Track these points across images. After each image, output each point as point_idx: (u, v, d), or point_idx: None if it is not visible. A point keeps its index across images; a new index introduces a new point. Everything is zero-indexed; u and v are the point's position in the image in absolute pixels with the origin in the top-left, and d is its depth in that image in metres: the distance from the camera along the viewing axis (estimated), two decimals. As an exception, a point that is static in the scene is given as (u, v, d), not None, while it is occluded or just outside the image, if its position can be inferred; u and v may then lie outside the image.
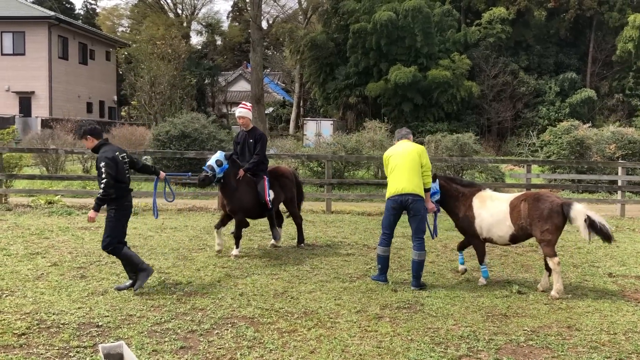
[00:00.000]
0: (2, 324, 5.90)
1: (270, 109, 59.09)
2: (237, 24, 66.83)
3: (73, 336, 5.66)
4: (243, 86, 62.25)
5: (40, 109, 37.19)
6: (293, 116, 54.49)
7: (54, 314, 6.24)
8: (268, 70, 64.11)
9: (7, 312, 6.26)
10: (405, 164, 7.62)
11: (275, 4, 56.75)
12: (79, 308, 6.44)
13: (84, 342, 5.56)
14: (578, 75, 40.77)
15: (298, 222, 10.12)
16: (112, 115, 46.69)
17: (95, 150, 7.31)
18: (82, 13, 76.06)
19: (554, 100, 39.68)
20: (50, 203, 13.99)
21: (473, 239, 7.92)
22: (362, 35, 38.85)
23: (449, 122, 38.53)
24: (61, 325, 5.92)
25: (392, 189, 7.64)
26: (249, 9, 47.46)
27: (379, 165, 19.13)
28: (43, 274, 7.80)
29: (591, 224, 7.15)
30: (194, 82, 39.58)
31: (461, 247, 8.25)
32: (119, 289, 7.17)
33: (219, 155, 8.85)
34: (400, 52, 39.00)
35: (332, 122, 40.19)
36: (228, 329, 5.94)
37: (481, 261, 7.90)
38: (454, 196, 8.02)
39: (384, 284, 7.63)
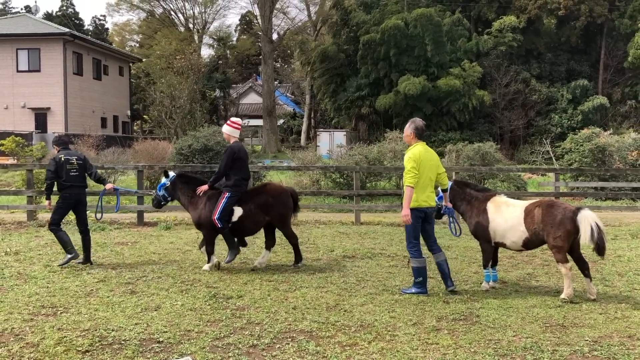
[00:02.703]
0: (64, 341, 5.92)
1: (281, 121, 59.30)
2: (245, 36, 67.26)
3: (137, 352, 5.66)
4: (254, 98, 62.55)
5: (56, 125, 37.40)
6: (304, 127, 54.67)
7: (112, 330, 6.25)
8: (278, 83, 64.35)
9: (66, 329, 6.29)
10: (433, 175, 7.75)
11: (285, 16, 57.06)
12: (136, 324, 6.45)
13: (148, 358, 5.57)
14: (590, 82, 40.73)
15: (293, 242, 9.42)
16: (126, 130, 46.91)
17: None
18: (91, 29, 76.69)
19: (566, 108, 39.65)
20: (80, 219, 14.03)
21: (483, 243, 8.03)
22: (371, 46, 38.98)
23: (461, 131, 38.53)
24: (123, 342, 5.93)
25: (421, 200, 7.63)
26: (259, 22, 47.82)
27: (400, 175, 19.15)
28: (92, 290, 7.84)
29: (592, 233, 7.23)
30: (213, 96, 39.82)
31: (492, 263, 8.24)
32: (61, 265, 9.21)
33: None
34: (410, 61, 39.10)
35: (345, 133, 40.31)
36: (289, 343, 5.94)
37: (485, 266, 8.04)
38: (467, 200, 8.14)
39: (425, 295, 7.65)
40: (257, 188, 9.51)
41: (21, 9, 76.63)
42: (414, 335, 6.17)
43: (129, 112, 47.91)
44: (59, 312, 6.87)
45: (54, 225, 9.45)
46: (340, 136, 39.06)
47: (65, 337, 6.02)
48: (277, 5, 50.54)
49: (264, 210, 9.07)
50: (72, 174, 9.42)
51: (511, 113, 39.68)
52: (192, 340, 5.98)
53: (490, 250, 8.02)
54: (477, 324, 6.56)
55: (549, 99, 40.46)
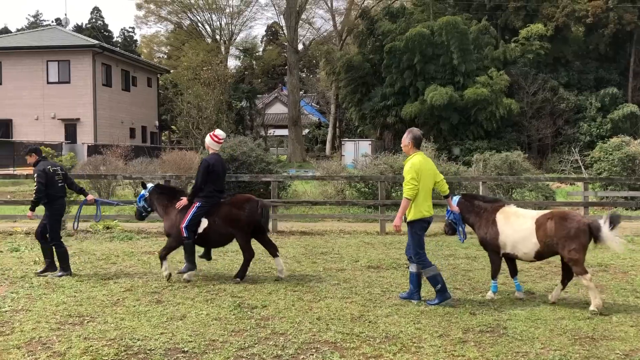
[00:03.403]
0: (91, 350, 5.96)
1: (307, 131, 59.48)
2: (271, 47, 67.68)
3: (162, 362, 5.69)
4: (279, 109, 62.84)
5: (85, 136, 37.96)
6: (329, 137, 54.76)
7: (138, 339, 6.28)
8: (303, 92, 64.60)
9: (92, 338, 6.34)
10: (431, 185, 7.81)
11: (310, 27, 57.27)
12: (161, 333, 6.47)
13: (174, 368, 5.59)
14: (619, 90, 40.14)
15: (246, 256, 9.15)
16: (154, 140, 47.44)
17: (35, 165, 9.50)
18: (120, 41, 77.93)
19: (595, 116, 39.13)
20: (108, 228, 14.21)
21: (491, 254, 8.07)
22: (396, 54, 38.92)
23: (488, 139, 38.21)
24: (148, 352, 5.96)
25: (424, 210, 7.68)
26: (285, 33, 48.09)
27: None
28: (119, 299, 7.90)
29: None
30: (239, 106, 40.14)
31: (512, 274, 8.24)
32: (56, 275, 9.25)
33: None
34: (436, 70, 38.95)
35: (370, 142, 40.26)
36: (313, 354, 5.91)
37: (494, 276, 8.05)
38: (476, 212, 8.17)
39: (450, 300, 7.67)
40: (225, 200, 9.31)
41: (52, 22, 78.23)
42: (439, 347, 6.11)
43: (157, 123, 48.45)
44: (85, 321, 6.94)
45: (58, 240, 9.42)
46: (365, 145, 39.02)
47: (91, 346, 6.07)
48: (303, 16, 50.83)
49: (227, 222, 9.00)
50: (59, 185, 9.48)
51: (539, 122, 39.27)
52: (216, 350, 5.99)
53: (499, 261, 8.03)
54: (504, 336, 6.47)
55: (578, 107, 39.97)
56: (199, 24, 58.35)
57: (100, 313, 7.25)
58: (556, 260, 10.59)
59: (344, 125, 55.62)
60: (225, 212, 8.98)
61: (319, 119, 65.36)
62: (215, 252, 11.35)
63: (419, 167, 7.61)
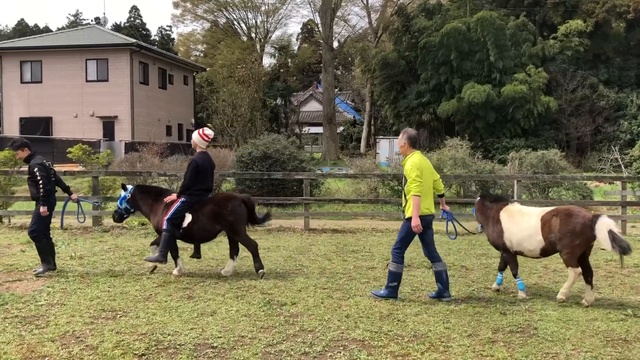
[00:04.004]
0: (122, 344, 6.07)
1: (341, 128, 59.43)
2: (306, 45, 67.80)
3: (191, 357, 5.75)
4: (314, 106, 62.95)
5: (122, 133, 38.59)
6: (364, 135, 54.65)
7: (169, 334, 6.37)
8: (338, 90, 64.56)
9: (124, 332, 6.44)
10: (431, 183, 7.92)
11: (345, 24, 57.17)
12: (191, 329, 6.55)
13: (202, 363, 5.66)
14: (662, 87, 39.25)
15: (251, 250, 9.26)
16: (190, 138, 47.87)
17: (27, 160, 9.32)
18: (157, 39, 78.93)
19: (635, 114, 38.30)
20: (143, 224, 14.42)
21: (504, 252, 8.13)
22: (431, 50, 38.63)
23: (526, 138, 37.70)
24: (178, 347, 6.04)
25: (424, 208, 7.72)
26: (320, 30, 48.12)
27: (461, 183, 18.89)
28: (151, 294, 8.02)
29: (613, 238, 7.30)
30: (273, 104, 40.35)
31: (502, 268, 8.36)
32: (37, 274, 9.06)
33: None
34: (472, 67, 38.56)
35: (405, 140, 39.97)
36: (340, 352, 5.92)
37: (515, 274, 8.07)
38: (483, 212, 8.38)
39: (394, 299, 7.76)
40: (209, 197, 9.46)
41: (91, 21, 79.68)
42: (468, 347, 6.06)
43: (193, 121, 48.97)
44: (118, 315, 7.06)
45: (46, 235, 9.28)
46: (400, 143, 38.77)
47: (123, 340, 6.18)
48: (338, 13, 50.78)
49: (212, 219, 9.12)
50: (53, 179, 9.40)
51: (578, 119, 38.59)
52: (245, 346, 6.04)
53: (514, 259, 8.09)
54: (535, 336, 6.39)
55: (618, 105, 39.17)
56: (235, 22, 58.77)
57: (133, 308, 7.37)
58: (602, 263, 10.44)
59: (379, 123, 55.41)
60: (209, 210, 9.15)
61: (353, 116, 65.26)
62: (245, 249, 11.43)
63: (419, 164, 7.72)
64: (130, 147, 34.16)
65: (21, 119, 39.74)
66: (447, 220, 8.57)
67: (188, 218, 9.10)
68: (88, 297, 7.85)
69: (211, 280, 8.80)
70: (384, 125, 53.67)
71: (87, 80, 39.59)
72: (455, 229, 8.63)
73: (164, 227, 9.01)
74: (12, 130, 39.20)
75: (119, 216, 9.84)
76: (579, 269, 7.49)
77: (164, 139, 38.55)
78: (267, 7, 57.32)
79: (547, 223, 7.63)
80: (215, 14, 58.78)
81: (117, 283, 8.66)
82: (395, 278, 7.83)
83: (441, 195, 8.30)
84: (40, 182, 9.02)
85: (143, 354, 5.83)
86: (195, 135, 9.42)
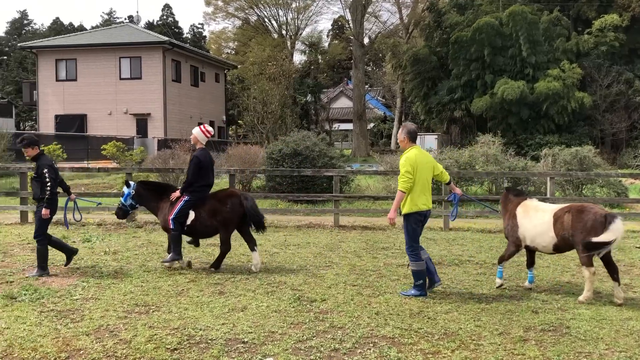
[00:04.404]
0: (155, 338, 6.16)
1: (371, 125, 59.28)
2: (337, 41, 67.73)
3: (222, 352, 5.82)
4: (344, 103, 62.91)
5: (155, 130, 39.03)
6: (394, 131, 54.38)
7: (200, 329, 6.45)
8: (368, 86, 64.39)
9: (157, 327, 6.54)
10: (429, 177, 7.97)
11: (376, 20, 56.94)
12: (222, 324, 6.62)
13: (233, 357, 5.71)
14: (701, 82, 38.22)
15: (222, 249, 9.45)
16: (222, 135, 48.32)
17: (35, 158, 9.05)
18: (189, 37, 79.62)
19: (673, 110, 37.43)
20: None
21: (510, 244, 8.23)
22: (463, 45, 38.28)
23: (559, 134, 37.11)
24: (209, 341, 6.11)
25: (421, 204, 7.81)
26: (351, 26, 48.03)
27: (493, 180, 18.70)
28: (183, 289, 8.12)
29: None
30: (303, 100, 40.44)
31: (529, 264, 8.37)
32: (28, 276, 8.81)
33: (124, 187, 9.82)
34: (504, 62, 38.09)
35: (436, 136, 39.78)
36: (370, 349, 5.93)
37: (500, 262, 8.28)
38: (505, 204, 8.48)
39: (424, 297, 7.79)
40: (210, 194, 9.63)
41: (124, 19, 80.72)
42: (499, 345, 6.02)
43: (224, 118, 49.32)
44: (151, 310, 7.17)
45: (42, 237, 9.08)
46: (431, 140, 38.59)
47: (155, 334, 6.27)
48: (369, 9, 50.58)
49: (211, 215, 9.32)
50: (58, 181, 9.23)
51: (613, 115, 37.84)
52: (275, 342, 6.09)
53: (513, 252, 8.20)
54: (567, 335, 6.31)
55: (655, 101, 38.29)
56: (266, 20, 58.99)
57: (165, 303, 7.48)
58: (622, 258, 10.27)
59: (410, 119, 55.15)
60: (210, 206, 9.33)
61: (384, 112, 65.05)
62: (276, 245, 11.54)
63: (414, 160, 7.75)
64: (162, 144, 34.54)
65: (56, 117, 40.44)
66: (454, 202, 8.80)
67: (191, 216, 9.30)
68: (122, 291, 7.98)
69: (242, 276, 8.88)
70: (415, 121, 53.33)
71: (120, 78, 40.09)
72: (456, 211, 9.12)
73: (171, 226, 9.20)
74: (48, 127, 39.94)
75: (124, 213, 9.91)
76: (592, 268, 7.46)
77: (196, 136, 38.78)
78: (297, 4, 57.44)
79: (559, 219, 7.66)
80: (247, 11, 59.08)
81: (150, 278, 8.78)
82: (420, 276, 7.86)
83: (448, 183, 8.49)
84: (48, 184, 8.82)
85: (175, 349, 5.91)
86: (197, 132, 9.54)
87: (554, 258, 10.31)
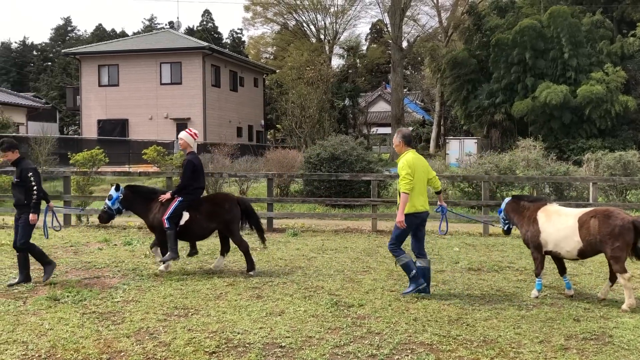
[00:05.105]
0: (194, 341, 6.23)
1: (410, 129, 58.81)
2: (375, 45, 67.58)
3: (260, 356, 5.84)
4: (382, 106, 62.75)
5: (195, 135, 39.42)
6: (433, 135, 54.04)
7: (238, 333, 6.49)
8: (407, 90, 64.07)
9: (195, 329, 6.61)
10: (425, 180, 8.19)
11: (415, 24, 56.66)
12: (260, 328, 6.66)
13: (271, 361, 5.74)
14: None
15: (242, 249, 9.63)
16: (260, 139, 48.66)
17: (16, 163, 8.62)
18: (228, 42, 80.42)
19: None
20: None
21: (534, 252, 8.15)
22: (504, 48, 37.82)
23: (602, 138, 36.38)
24: (247, 345, 6.15)
25: (419, 205, 8.02)
26: (389, 30, 47.90)
27: (534, 185, 18.41)
28: (222, 293, 8.19)
29: None
30: (341, 105, 40.49)
31: (562, 272, 8.31)
32: (10, 285, 8.46)
33: (111, 190, 9.76)
34: (546, 65, 37.51)
35: (476, 140, 39.37)
36: (408, 355, 5.89)
37: (537, 274, 8.14)
38: (519, 212, 8.38)
39: (423, 287, 8.05)
40: (206, 197, 10.07)
41: (165, 25, 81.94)
42: (539, 353, 5.92)
43: (262, 122, 49.66)
44: (190, 313, 7.25)
45: (27, 245, 8.66)
46: (470, 144, 38.21)
47: (194, 337, 6.34)
48: (408, 13, 50.36)
49: (208, 217, 9.52)
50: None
51: (659, 119, 36.94)
52: (312, 347, 6.09)
53: (541, 259, 8.08)
54: (610, 344, 6.18)
55: (702, 104, 37.24)
56: (304, 24, 59.23)
57: (204, 306, 7.55)
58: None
59: (449, 123, 54.71)
60: (207, 208, 9.58)
61: (423, 116, 64.65)
62: (314, 250, 11.55)
63: (412, 162, 8.01)
64: (202, 148, 34.88)
65: (99, 121, 41.26)
66: (442, 214, 8.88)
67: (185, 216, 9.48)
68: (161, 294, 8.09)
69: (279, 280, 8.91)
70: (454, 125, 52.95)
71: (161, 83, 40.71)
72: (447, 225, 9.18)
73: (166, 225, 9.33)
74: (91, 132, 40.77)
75: (109, 216, 9.88)
76: (628, 274, 7.44)
77: (235, 140, 39.15)
78: (336, 8, 57.56)
79: (585, 224, 7.60)
80: (285, 16, 59.40)
81: (189, 281, 8.88)
82: (409, 267, 8.08)
83: (438, 192, 8.63)
84: (35, 188, 8.43)
85: (214, 352, 5.96)
86: (187, 137, 9.68)
87: (596, 265, 10.11)
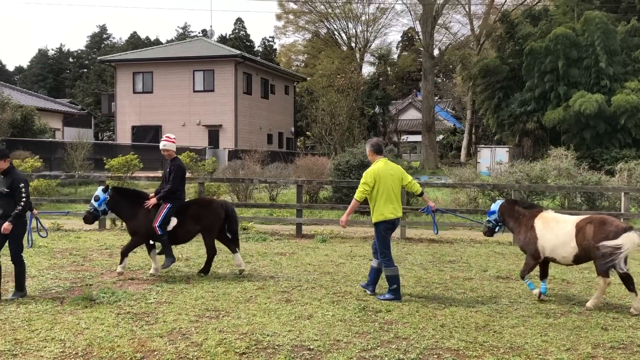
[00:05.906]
0: (225, 342, 6.39)
1: (441, 137, 58.71)
2: (406, 53, 67.56)
3: (288, 358, 5.97)
4: (413, 114, 62.62)
5: (226, 141, 39.96)
6: (464, 143, 53.77)
7: (268, 335, 6.64)
8: (438, 98, 63.87)
9: (226, 331, 6.77)
10: (396, 188, 8.36)
11: (447, 32, 56.54)
12: (289, 331, 6.79)
13: (299, 364, 5.87)
14: None
15: (210, 253, 9.90)
16: (290, 146, 48.98)
17: (6, 172, 8.17)
18: (260, 50, 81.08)
19: None
20: (244, 229, 14.94)
21: (528, 257, 8.35)
22: (537, 57, 37.49)
23: (637, 148, 35.78)
24: (276, 347, 6.29)
25: (388, 213, 8.25)
26: (420, 38, 47.89)
27: (566, 194, 18.27)
28: (252, 296, 8.36)
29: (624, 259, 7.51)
30: (371, 112, 40.58)
31: (542, 276, 8.51)
32: (11, 298, 8.14)
33: (97, 191, 9.76)
34: (579, 74, 37.08)
35: (507, 149, 39.08)
36: (434, 360, 5.97)
37: (523, 276, 8.46)
38: (515, 217, 8.53)
39: (398, 301, 8.14)
40: (191, 200, 10.45)
41: (198, 33, 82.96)
42: (566, 361, 5.95)
43: (292, 129, 49.99)
44: (221, 315, 7.42)
45: (21, 257, 8.34)
46: (502, 152, 37.95)
47: (225, 338, 6.50)
48: (440, 21, 50.31)
49: (194, 221, 9.74)
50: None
51: (695, 129, 36.20)
52: (340, 350, 6.20)
53: (533, 264, 8.33)
54: (638, 354, 6.18)
55: None
56: (335, 32, 59.54)
57: (235, 308, 7.71)
58: None
59: (480, 132, 54.37)
60: (193, 212, 9.80)
61: (454, 124, 64.38)
62: (342, 256, 11.66)
63: (377, 172, 8.25)
64: (233, 154, 35.32)
65: (133, 127, 42.00)
66: (428, 213, 9.18)
67: (173, 222, 9.65)
68: (193, 296, 8.28)
69: (308, 285, 9.05)
70: (486, 133, 52.58)
71: (194, 91, 41.31)
72: (434, 223, 9.57)
73: (159, 233, 9.49)
74: (125, 137, 41.50)
75: (94, 217, 9.88)
76: (609, 279, 7.71)
77: (265, 147, 39.52)
78: (367, 16, 57.75)
79: (581, 230, 7.81)
80: (317, 24, 59.78)
81: (220, 284, 9.07)
82: (394, 281, 8.27)
83: (420, 195, 8.86)
84: (24, 199, 8.07)
85: (244, 353, 6.11)
86: (171, 145, 9.86)
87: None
